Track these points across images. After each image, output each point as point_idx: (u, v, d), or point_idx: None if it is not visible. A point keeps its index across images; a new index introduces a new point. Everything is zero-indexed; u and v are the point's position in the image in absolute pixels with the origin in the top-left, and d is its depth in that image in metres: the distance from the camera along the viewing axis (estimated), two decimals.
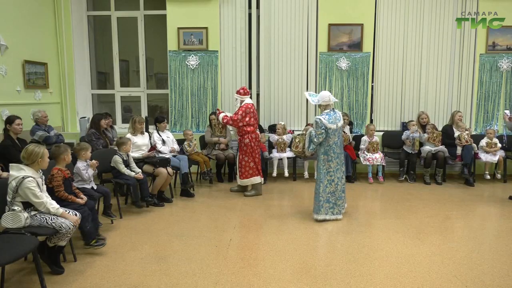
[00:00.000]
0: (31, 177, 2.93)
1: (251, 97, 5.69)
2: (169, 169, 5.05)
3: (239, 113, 5.19)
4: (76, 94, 6.98)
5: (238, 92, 5.36)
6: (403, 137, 6.27)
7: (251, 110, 5.29)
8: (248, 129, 5.26)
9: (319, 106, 4.41)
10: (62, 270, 3.10)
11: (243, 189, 5.51)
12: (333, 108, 4.40)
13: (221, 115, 5.32)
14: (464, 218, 4.56)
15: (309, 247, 3.63)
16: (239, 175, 5.41)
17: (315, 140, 4.28)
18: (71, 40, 6.80)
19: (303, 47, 6.71)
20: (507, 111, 5.30)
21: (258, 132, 5.54)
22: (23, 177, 2.89)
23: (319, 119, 4.24)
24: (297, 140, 5.12)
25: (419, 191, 5.73)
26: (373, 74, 6.74)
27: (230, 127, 5.80)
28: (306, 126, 6.42)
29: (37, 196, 2.93)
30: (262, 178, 5.54)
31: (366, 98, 6.73)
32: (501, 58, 6.56)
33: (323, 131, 4.22)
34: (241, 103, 5.28)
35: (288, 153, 6.18)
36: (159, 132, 5.64)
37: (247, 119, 5.23)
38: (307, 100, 6.78)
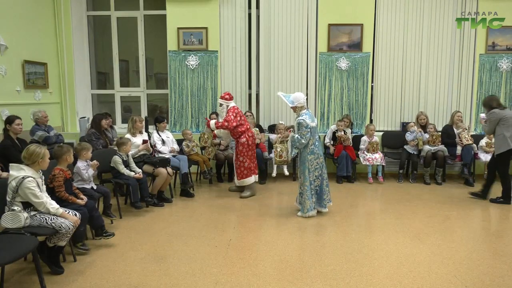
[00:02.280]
0: (31, 177, 2.93)
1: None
2: (169, 169, 5.05)
3: (230, 115, 5.19)
4: (76, 94, 6.98)
5: (223, 98, 5.32)
6: (410, 138, 6.20)
7: (239, 111, 5.33)
8: (242, 129, 5.26)
9: (295, 107, 4.49)
10: (61, 270, 3.10)
11: (240, 189, 5.50)
12: (307, 108, 4.58)
13: (213, 122, 5.34)
14: (464, 218, 4.57)
15: (309, 247, 3.63)
16: (236, 175, 5.40)
17: (303, 141, 4.37)
18: (71, 40, 6.80)
19: (303, 47, 6.71)
20: (483, 114, 5.27)
21: (252, 130, 5.54)
22: (23, 177, 2.89)
23: (303, 119, 4.35)
24: (279, 149, 5.03)
25: (419, 191, 5.73)
26: (373, 74, 6.74)
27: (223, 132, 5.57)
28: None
29: (37, 196, 2.93)
30: (257, 176, 5.50)
31: (366, 98, 6.74)
32: (500, 58, 6.56)
33: (308, 130, 4.34)
34: (227, 108, 5.28)
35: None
36: (159, 132, 5.63)
37: (238, 118, 5.24)
38: (307, 100, 6.80)
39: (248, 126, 5.39)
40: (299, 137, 4.38)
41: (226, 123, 5.19)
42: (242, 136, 5.29)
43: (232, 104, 5.32)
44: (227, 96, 5.32)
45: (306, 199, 4.46)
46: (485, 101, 5.16)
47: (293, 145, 4.46)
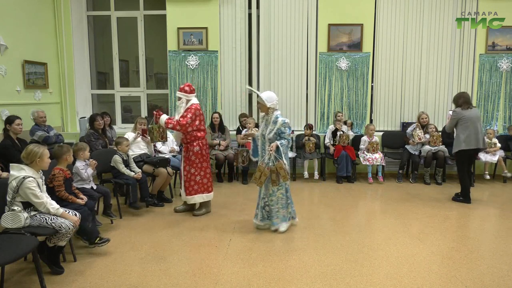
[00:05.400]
0: (32, 177, 2.93)
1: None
2: (169, 169, 5.05)
3: (188, 116, 4.27)
4: (76, 94, 6.98)
5: (183, 90, 4.37)
6: (409, 129, 6.27)
7: (200, 112, 4.44)
8: (198, 134, 4.42)
9: (267, 108, 3.88)
10: (62, 270, 3.10)
11: (190, 207, 4.66)
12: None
13: (164, 118, 4.32)
14: (464, 218, 4.57)
15: (308, 247, 3.63)
16: (185, 190, 4.52)
17: (290, 143, 3.95)
18: (71, 40, 6.81)
19: (303, 47, 6.72)
20: (451, 112, 5.26)
21: (253, 130, 5.41)
22: (23, 177, 2.89)
23: (287, 120, 3.89)
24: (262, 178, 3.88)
25: (419, 191, 5.73)
26: (373, 74, 6.75)
27: (174, 133, 4.65)
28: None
29: (37, 196, 2.93)
30: (211, 194, 4.62)
31: (366, 98, 6.73)
32: (500, 58, 6.57)
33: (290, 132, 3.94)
34: (187, 103, 4.38)
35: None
36: None
37: (196, 122, 4.37)
38: (306, 100, 6.81)
39: (205, 134, 4.54)
40: (284, 141, 3.83)
41: (178, 126, 4.25)
42: (196, 144, 4.41)
43: (194, 100, 4.41)
44: (187, 88, 4.37)
45: (280, 208, 3.99)
46: (454, 97, 5.19)
47: (285, 154, 3.87)
